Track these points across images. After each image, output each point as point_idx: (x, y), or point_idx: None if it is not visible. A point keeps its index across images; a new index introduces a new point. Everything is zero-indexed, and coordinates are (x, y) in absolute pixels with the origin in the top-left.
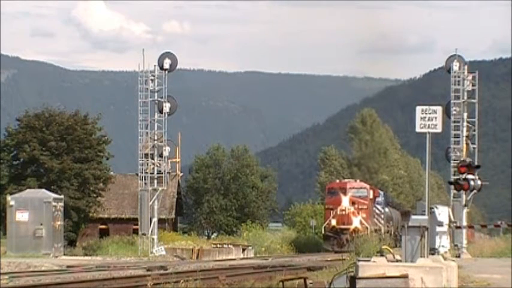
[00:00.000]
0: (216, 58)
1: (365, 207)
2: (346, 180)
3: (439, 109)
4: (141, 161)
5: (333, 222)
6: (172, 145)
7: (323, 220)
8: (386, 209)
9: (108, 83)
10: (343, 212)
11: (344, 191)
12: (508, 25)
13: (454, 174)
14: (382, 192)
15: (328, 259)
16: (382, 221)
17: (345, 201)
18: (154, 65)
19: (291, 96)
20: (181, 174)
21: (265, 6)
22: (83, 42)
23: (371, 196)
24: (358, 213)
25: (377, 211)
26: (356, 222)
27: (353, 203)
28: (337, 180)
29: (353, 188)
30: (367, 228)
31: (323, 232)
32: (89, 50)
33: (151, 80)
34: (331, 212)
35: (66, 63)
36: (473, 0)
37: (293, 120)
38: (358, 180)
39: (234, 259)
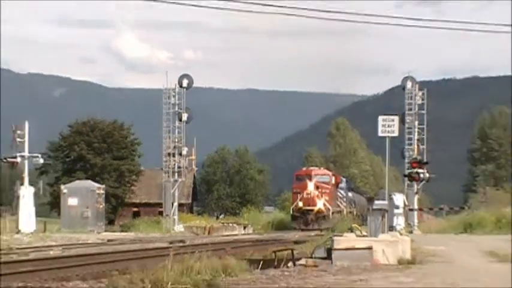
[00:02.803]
0: (223, 78)
1: (328, 191)
2: (311, 168)
3: (396, 118)
4: (164, 159)
5: (300, 204)
6: (189, 146)
7: (291, 202)
8: (350, 194)
9: (139, 98)
10: (309, 196)
11: (309, 177)
12: (449, 53)
13: (408, 169)
14: (344, 179)
15: (312, 235)
16: (344, 203)
17: (310, 186)
18: (175, 84)
19: (282, 108)
20: (196, 168)
21: (262, 37)
22: (119, 65)
23: (333, 182)
24: (322, 196)
25: (339, 195)
26: (320, 204)
27: (317, 188)
28: (304, 168)
29: (317, 174)
30: (329, 209)
31: (291, 213)
32: (123, 72)
33: (173, 95)
34: (298, 195)
35: (106, 82)
36: (427, 30)
37: (283, 127)
38: (322, 168)
39: (237, 235)
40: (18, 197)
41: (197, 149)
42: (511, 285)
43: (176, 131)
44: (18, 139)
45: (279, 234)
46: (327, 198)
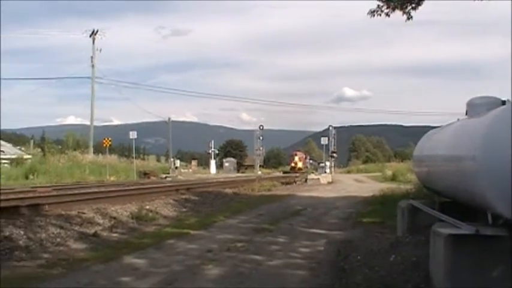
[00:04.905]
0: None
1: (303, 160)
2: (297, 151)
3: (326, 138)
4: (255, 151)
5: (293, 164)
6: (264, 147)
7: (289, 164)
8: (311, 161)
9: (248, 132)
10: (296, 162)
11: (296, 155)
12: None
13: (330, 154)
14: (309, 156)
15: (298, 176)
16: (309, 165)
17: (296, 158)
18: (259, 127)
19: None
20: (264, 153)
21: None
22: (242, 123)
23: (305, 157)
24: (300, 162)
25: (307, 161)
26: (300, 165)
27: (299, 159)
28: (294, 152)
29: (298, 154)
30: (303, 167)
31: (290, 168)
32: (243, 124)
33: (259, 130)
34: (292, 161)
35: (236, 126)
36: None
37: (285, 143)
38: (301, 151)
39: (276, 174)
40: (209, 163)
41: (264, 147)
42: (359, 190)
43: (258, 142)
44: (210, 145)
45: (289, 175)
46: (302, 162)
